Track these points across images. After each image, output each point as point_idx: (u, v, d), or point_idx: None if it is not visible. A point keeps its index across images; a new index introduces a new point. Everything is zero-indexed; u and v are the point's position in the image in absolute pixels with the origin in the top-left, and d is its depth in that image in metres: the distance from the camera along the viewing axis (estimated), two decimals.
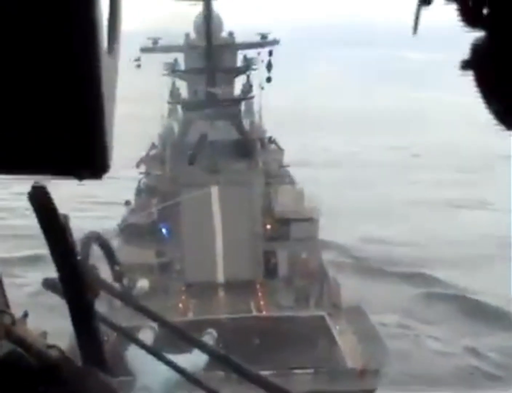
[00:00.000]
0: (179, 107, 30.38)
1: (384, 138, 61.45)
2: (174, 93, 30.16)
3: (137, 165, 30.98)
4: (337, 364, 18.41)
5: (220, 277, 24.28)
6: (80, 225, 2.77)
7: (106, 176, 0.83)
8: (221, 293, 23.86)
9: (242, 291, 23.01)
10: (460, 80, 0.80)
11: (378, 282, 29.63)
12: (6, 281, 1.79)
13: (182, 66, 29.97)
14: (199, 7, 28.01)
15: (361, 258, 34.02)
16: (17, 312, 1.63)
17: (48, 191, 1.48)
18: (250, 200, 24.54)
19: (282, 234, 24.83)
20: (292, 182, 28.90)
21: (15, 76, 0.77)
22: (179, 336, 2.40)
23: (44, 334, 1.66)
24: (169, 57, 30.46)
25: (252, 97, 29.98)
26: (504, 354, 23.72)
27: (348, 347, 19.40)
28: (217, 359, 2.42)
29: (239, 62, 29.80)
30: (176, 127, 29.21)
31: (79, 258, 1.69)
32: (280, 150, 31.97)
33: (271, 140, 31.79)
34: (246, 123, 28.74)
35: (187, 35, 30.06)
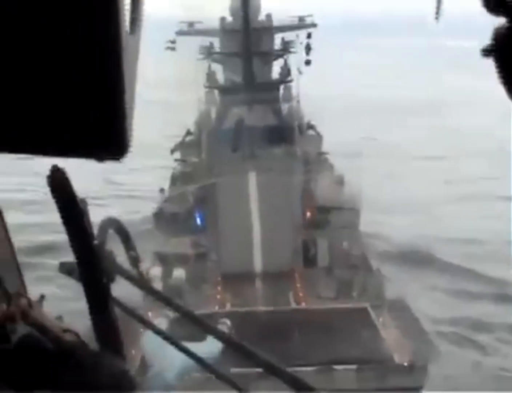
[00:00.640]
0: (215, 92, 29.60)
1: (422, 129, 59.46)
2: (211, 78, 29.45)
3: (172, 152, 30.43)
4: (383, 359, 17.50)
5: (258, 267, 23.56)
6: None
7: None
8: (259, 284, 23.13)
9: (280, 282, 22.28)
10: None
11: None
12: None
13: (218, 50, 29.28)
14: None
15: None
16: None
17: (67, 175, 1.48)
18: (288, 187, 23.74)
19: (321, 222, 23.93)
20: (331, 169, 28.00)
21: (37, 58, 0.77)
22: (194, 323, 2.40)
23: (60, 318, 1.70)
24: (205, 40, 29.82)
25: (290, 81, 29.11)
26: None
27: (393, 341, 18.49)
28: (232, 347, 2.42)
29: (277, 46, 29.00)
30: (212, 113, 28.43)
31: (96, 242, 1.70)
32: (319, 136, 31.08)
33: (309, 126, 30.90)
34: (284, 108, 27.85)
35: (222, 19, 29.40)
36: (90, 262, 1.67)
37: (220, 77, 29.60)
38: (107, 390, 1.45)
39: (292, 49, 28.43)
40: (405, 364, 17.20)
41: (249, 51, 25.78)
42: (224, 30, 28.80)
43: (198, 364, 2.83)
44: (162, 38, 28.62)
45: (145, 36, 0.93)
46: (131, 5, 0.82)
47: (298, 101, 29.34)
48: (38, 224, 31.26)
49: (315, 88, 29.01)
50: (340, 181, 25.80)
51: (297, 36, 28.52)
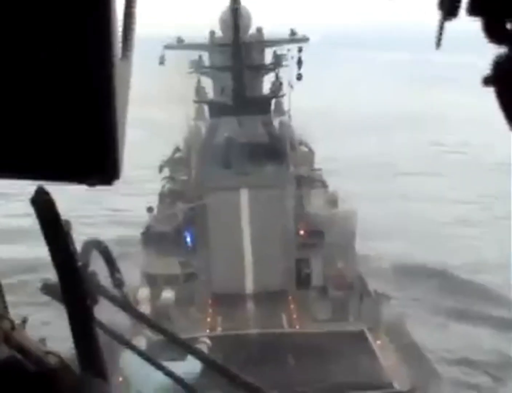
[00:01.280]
0: (205, 107, 28.92)
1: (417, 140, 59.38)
2: (200, 92, 28.78)
3: (160, 170, 29.70)
4: (381, 385, 16.77)
5: (249, 288, 22.84)
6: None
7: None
8: (250, 305, 22.38)
9: (273, 303, 21.58)
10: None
11: None
12: None
13: (207, 64, 28.63)
14: (221, 5, 26.74)
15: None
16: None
17: (51, 196, 1.48)
18: (280, 204, 23.05)
19: (315, 241, 23.17)
20: (324, 186, 27.32)
21: (28, 82, 0.78)
22: (175, 344, 2.42)
23: (43, 340, 1.71)
24: (194, 54, 29.17)
25: (282, 96, 28.49)
26: None
27: (391, 366, 17.77)
28: (212, 367, 2.39)
29: (268, 60, 28.39)
30: (202, 128, 27.73)
31: (79, 264, 1.67)
32: (311, 152, 30.44)
33: (301, 142, 30.26)
34: (275, 123, 27.21)
35: (212, 32, 28.80)
36: (73, 283, 1.64)
37: (210, 91, 28.94)
38: None
39: (284, 63, 27.82)
40: (405, 391, 16.57)
41: (240, 65, 25.17)
42: (214, 44, 28.21)
43: (178, 384, 2.78)
44: (150, 54, 27.93)
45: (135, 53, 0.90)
46: (123, 30, 0.83)
47: (289, 116, 28.73)
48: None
49: (300, 102, 28.34)
50: (334, 198, 25.11)
51: (288, 50, 27.95)
